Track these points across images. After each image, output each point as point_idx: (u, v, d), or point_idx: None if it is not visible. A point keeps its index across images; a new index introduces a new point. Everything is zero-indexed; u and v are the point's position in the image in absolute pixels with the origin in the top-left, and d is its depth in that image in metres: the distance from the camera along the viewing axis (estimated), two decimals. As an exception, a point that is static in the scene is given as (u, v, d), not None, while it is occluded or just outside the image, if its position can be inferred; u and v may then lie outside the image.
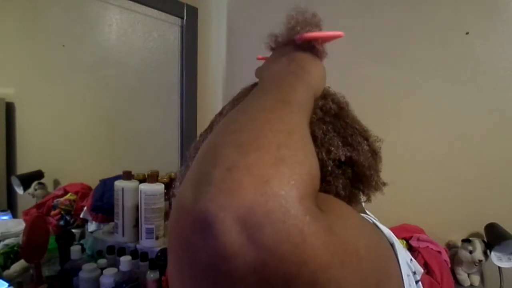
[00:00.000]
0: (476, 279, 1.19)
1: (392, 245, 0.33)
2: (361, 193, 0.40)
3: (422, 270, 0.39)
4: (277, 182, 0.19)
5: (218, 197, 0.19)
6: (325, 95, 0.41)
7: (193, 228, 0.19)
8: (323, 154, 0.35)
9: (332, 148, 0.35)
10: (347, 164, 0.37)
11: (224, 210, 0.18)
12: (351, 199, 0.37)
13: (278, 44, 0.42)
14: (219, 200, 0.19)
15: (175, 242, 0.21)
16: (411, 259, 0.37)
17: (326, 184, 0.35)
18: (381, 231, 0.34)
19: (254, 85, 0.44)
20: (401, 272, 0.31)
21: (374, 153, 0.41)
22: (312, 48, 0.39)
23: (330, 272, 0.19)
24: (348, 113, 0.42)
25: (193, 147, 0.44)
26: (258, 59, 0.50)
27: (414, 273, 0.36)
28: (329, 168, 0.35)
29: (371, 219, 0.37)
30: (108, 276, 0.88)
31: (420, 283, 0.37)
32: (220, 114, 0.46)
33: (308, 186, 0.21)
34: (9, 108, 1.15)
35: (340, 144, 0.37)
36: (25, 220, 1.08)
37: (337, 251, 0.20)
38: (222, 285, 0.18)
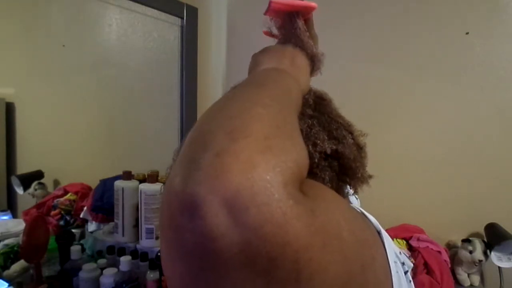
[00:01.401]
0: (476, 279, 1.19)
1: (379, 232, 0.34)
2: (348, 186, 0.41)
3: (412, 265, 0.40)
4: (263, 168, 0.20)
5: (206, 181, 0.19)
6: (309, 92, 0.43)
7: (181, 210, 0.20)
8: (310, 147, 0.36)
9: (318, 141, 0.37)
10: (333, 157, 0.38)
11: (212, 193, 0.19)
12: (338, 191, 0.38)
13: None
14: (207, 183, 0.19)
15: (165, 224, 0.21)
16: (400, 252, 0.38)
17: (313, 176, 0.36)
18: (368, 219, 0.36)
19: None
20: (387, 258, 0.32)
21: (359, 147, 0.42)
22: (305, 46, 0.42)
23: (312, 251, 0.20)
24: (332, 109, 0.44)
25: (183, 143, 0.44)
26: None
27: (403, 263, 0.37)
28: (316, 161, 0.36)
29: (358, 209, 0.38)
30: (108, 276, 0.88)
31: (409, 274, 0.37)
32: None
33: (293, 173, 0.22)
34: (9, 108, 1.15)
35: (326, 138, 0.38)
36: (25, 220, 1.08)
37: (318, 232, 0.21)
38: (209, 264, 0.19)
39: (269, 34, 0.50)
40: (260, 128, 0.23)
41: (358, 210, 0.37)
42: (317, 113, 0.40)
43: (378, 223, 0.36)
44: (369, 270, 0.26)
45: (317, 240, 0.21)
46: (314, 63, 0.44)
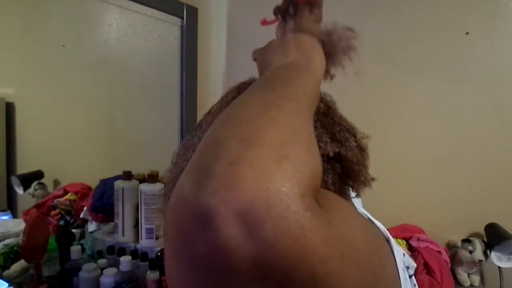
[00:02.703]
0: (476, 279, 1.19)
1: (387, 240, 0.34)
2: (350, 188, 0.41)
3: (415, 265, 0.40)
4: (279, 179, 0.19)
5: (219, 191, 0.19)
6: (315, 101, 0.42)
7: (193, 221, 0.19)
8: None
9: (321, 144, 0.36)
10: (335, 159, 0.37)
11: (225, 205, 0.18)
12: (340, 195, 0.38)
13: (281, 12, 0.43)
14: (220, 194, 0.19)
15: (173, 233, 0.21)
16: (404, 254, 0.38)
17: None
18: (376, 226, 0.35)
19: (242, 84, 0.44)
20: (397, 266, 0.31)
21: (362, 149, 0.41)
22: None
23: (330, 264, 0.19)
24: (335, 111, 0.43)
25: (182, 145, 0.43)
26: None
27: (407, 267, 0.37)
28: None
29: (365, 215, 0.37)
30: (108, 276, 0.88)
31: (413, 277, 0.37)
32: (209, 113, 0.46)
33: (310, 183, 0.21)
34: (9, 108, 1.15)
35: (329, 140, 0.37)
36: (25, 220, 1.08)
37: (336, 244, 0.20)
38: (220, 277, 0.19)
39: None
40: (275, 134, 0.22)
41: (367, 218, 0.36)
42: (320, 116, 0.40)
43: (386, 231, 0.36)
44: (381, 279, 0.25)
45: (334, 253, 0.20)
46: (326, 44, 0.42)
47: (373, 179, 0.42)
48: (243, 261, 0.18)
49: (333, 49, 0.43)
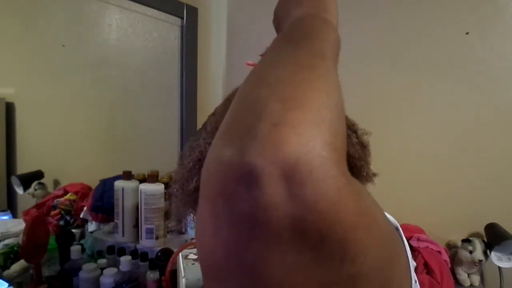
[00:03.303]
0: (476, 279, 1.19)
1: (397, 229, 0.35)
2: None
3: (415, 264, 0.41)
4: (320, 143, 0.20)
5: (264, 151, 0.19)
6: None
7: (238, 179, 0.19)
8: None
9: None
10: None
11: (271, 164, 0.19)
12: None
13: None
14: (265, 154, 0.19)
15: (214, 193, 0.21)
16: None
17: None
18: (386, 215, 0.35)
19: None
20: (407, 254, 0.32)
21: (363, 146, 0.42)
22: None
23: (358, 232, 0.20)
24: None
25: (187, 146, 0.44)
26: (248, 65, 0.50)
27: None
28: None
29: None
30: (108, 276, 0.88)
31: (414, 273, 0.38)
32: (213, 114, 0.46)
33: (343, 151, 0.22)
34: (9, 108, 1.15)
35: None
36: (25, 220, 1.08)
37: (365, 214, 0.21)
38: (260, 234, 0.19)
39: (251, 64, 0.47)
40: (312, 97, 0.22)
41: None
42: None
43: (395, 220, 0.36)
44: (397, 264, 0.26)
45: (363, 222, 0.21)
46: None
47: (375, 174, 0.43)
48: (282, 220, 0.19)
49: None
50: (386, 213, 0.36)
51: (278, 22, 0.41)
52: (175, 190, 0.44)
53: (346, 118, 0.43)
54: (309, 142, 0.20)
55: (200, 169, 0.40)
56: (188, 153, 0.42)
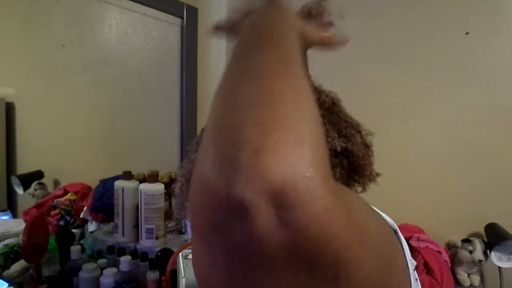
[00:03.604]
0: (476, 279, 1.19)
1: (395, 231, 0.35)
2: (356, 184, 0.42)
3: (415, 262, 0.41)
4: (303, 164, 0.20)
5: (250, 183, 0.19)
6: (319, 92, 0.43)
7: (228, 213, 0.20)
8: None
9: (329, 139, 0.37)
10: (343, 154, 0.39)
11: (258, 196, 0.19)
12: None
13: None
14: (251, 185, 0.19)
15: (206, 225, 0.21)
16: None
17: None
18: (383, 218, 0.36)
19: None
20: (405, 257, 0.32)
21: (366, 146, 0.43)
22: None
23: (350, 249, 0.20)
24: (341, 108, 0.44)
25: (194, 142, 0.44)
26: None
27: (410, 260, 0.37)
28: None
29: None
30: (108, 276, 0.88)
31: (415, 272, 0.38)
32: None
33: (327, 166, 0.22)
34: (9, 108, 1.15)
35: (336, 136, 0.39)
36: (25, 220, 1.08)
37: (355, 230, 0.21)
38: (256, 263, 0.19)
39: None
40: (286, 114, 0.22)
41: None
42: (326, 112, 0.41)
43: (393, 222, 0.37)
44: (393, 269, 0.26)
45: (354, 238, 0.21)
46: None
47: (378, 174, 0.44)
48: (277, 248, 0.19)
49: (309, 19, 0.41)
50: (384, 215, 0.37)
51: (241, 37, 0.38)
52: (180, 184, 0.44)
53: (350, 118, 0.43)
54: (291, 165, 0.19)
55: None
56: (195, 148, 0.43)
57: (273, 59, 0.26)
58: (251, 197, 0.19)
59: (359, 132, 0.43)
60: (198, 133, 0.46)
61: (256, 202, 0.19)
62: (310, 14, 0.42)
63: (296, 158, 0.20)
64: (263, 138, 0.20)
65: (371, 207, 0.32)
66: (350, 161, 0.40)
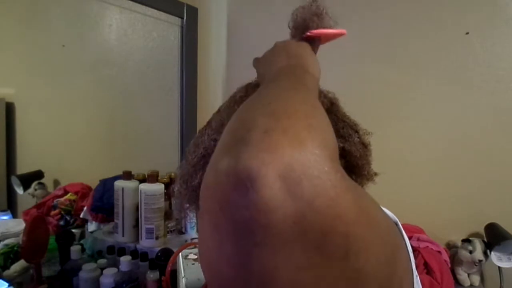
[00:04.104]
0: (476, 279, 1.19)
1: (396, 224, 0.35)
2: None
3: (415, 261, 0.41)
4: (311, 143, 0.21)
5: (258, 155, 0.19)
6: (323, 94, 0.44)
7: (234, 186, 0.20)
8: None
9: None
10: (340, 155, 0.39)
11: (266, 166, 0.19)
12: None
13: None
14: (259, 157, 0.19)
15: (214, 206, 0.21)
16: None
17: None
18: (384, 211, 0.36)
19: (249, 84, 0.46)
20: (407, 248, 0.32)
21: (364, 146, 0.43)
22: (312, 42, 0.42)
23: (359, 227, 0.20)
24: (339, 108, 0.45)
25: (192, 143, 0.45)
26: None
27: None
28: None
29: None
30: (108, 276, 0.88)
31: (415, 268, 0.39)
32: (218, 111, 0.47)
33: (336, 151, 0.23)
34: (9, 108, 1.15)
35: None
36: (25, 220, 1.08)
37: (362, 210, 0.21)
38: (263, 239, 0.19)
39: None
40: (299, 108, 0.23)
41: None
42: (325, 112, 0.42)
43: (394, 216, 0.37)
44: (398, 258, 0.26)
45: (363, 219, 0.21)
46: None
47: (375, 173, 0.44)
48: (284, 220, 0.19)
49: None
50: (384, 209, 0.37)
51: (259, 73, 0.44)
52: (179, 186, 0.44)
53: (348, 118, 0.44)
54: (301, 143, 0.20)
55: (204, 165, 0.41)
56: (193, 149, 0.43)
57: (293, 82, 0.30)
58: (259, 168, 0.19)
59: (357, 132, 0.43)
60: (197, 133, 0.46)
61: (263, 172, 0.19)
62: (316, 16, 0.43)
63: (305, 138, 0.21)
64: (275, 122, 0.21)
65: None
66: (347, 161, 0.40)
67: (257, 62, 0.45)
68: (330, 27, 0.42)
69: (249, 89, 0.45)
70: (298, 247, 0.19)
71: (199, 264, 0.78)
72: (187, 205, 0.45)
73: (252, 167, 0.19)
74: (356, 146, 0.41)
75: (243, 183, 0.19)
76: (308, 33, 0.41)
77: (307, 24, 0.42)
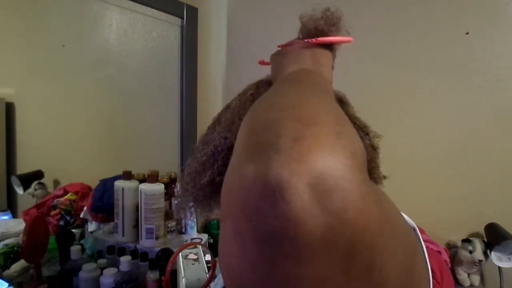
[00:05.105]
0: (476, 279, 1.19)
1: (414, 229, 0.35)
2: None
3: None
4: (341, 152, 0.20)
5: (289, 164, 0.19)
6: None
7: (263, 195, 0.19)
8: None
9: None
10: None
11: (297, 176, 0.19)
12: None
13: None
14: (290, 166, 0.19)
15: (236, 210, 0.21)
16: None
17: None
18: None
19: (260, 81, 0.46)
20: (424, 255, 0.33)
21: (374, 148, 0.43)
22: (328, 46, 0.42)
23: (384, 238, 0.20)
24: (349, 108, 0.44)
25: (200, 140, 0.44)
26: (260, 63, 0.51)
27: None
28: None
29: None
30: (108, 276, 0.88)
31: None
32: (227, 108, 0.46)
33: (364, 158, 0.22)
34: (9, 108, 1.15)
35: None
36: (25, 220, 1.08)
37: (387, 219, 0.21)
38: (289, 248, 0.19)
39: (264, 62, 0.50)
40: (328, 115, 0.23)
41: None
42: None
43: (412, 221, 0.37)
44: (415, 262, 0.26)
45: (387, 227, 0.21)
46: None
47: (385, 177, 0.44)
48: (312, 232, 0.18)
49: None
50: (402, 214, 0.37)
51: (274, 67, 0.44)
52: (185, 183, 0.43)
53: (358, 120, 0.43)
54: (332, 151, 0.20)
55: (214, 163, 0.40)
56: (202, 147, 0.43)
57: (314, 88, 0.29)
58: (289, 177, 0.18)
59: (367, 134, 0.42)
60: (198, 135, 0.46)
61: (294, 183, 0.18)
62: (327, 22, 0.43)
63: (336, 148, 0.20)
64: (304, 128, 0.21)
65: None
66: None
67: (278, 57, 0.44)
68: (343, 35, 0.42)
69: (260, 87, 0.44)
70: (324, 259, 0.19)
71: (199, 265, 0.78)
72: (192, 203, 0.44)
73: (283, 176, 0.19)
74: (367, 149, 0.40)
75: (272, 192, 0.19)
76: (316, 40, 0.41)
77: (322, 33, 0.41)
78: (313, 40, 0.41)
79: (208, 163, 0.41)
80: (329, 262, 0.19)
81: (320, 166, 0.19)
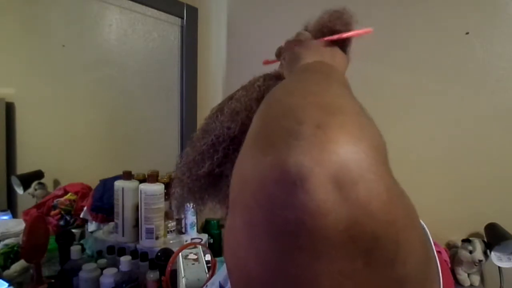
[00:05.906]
0: (476, 279, 1.19)
1: (423, 228, 0.34)
2: None
3: None
4: (366, 143, 0.19)
5: (311, 151, 0.18)
6: None
7: (280, 182, 0.18)
8: None
9: None
10: None
11: (319, 165, 0.17)
12: None
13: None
14: (312, 154, 0.18)
15: (248, 197, 0.19)
16: None
17: None
18: None
19: (267, 75, 0.45)
20: (434, 252, 0.32)
21: None
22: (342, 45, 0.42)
23: (407, 233, 0.19)
24: None
25: (201, 129, 0.43)
26: (265, 63, 0.50)
27: None
28: None
29: None
30: (108, 276, 0.88)
31: None
32: (231, 98, 0.45)
33: (385, 152, 0.21)
34: (9, 108, 1.15)
35: None
36: (25, 220, 1.08)
37: (410, 214, 0.21)
38: (307, 241, 0.17)
39: (268, 62, 0.49)
40: (350, 105, 0.22)
41: None
42: None
43: (421, 221, 0.37)
44: (431, 254, 0.26)
45: (410, 222, 0.20)
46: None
47: None
48: (335, 225, 0.17)
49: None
50: None
51: (289, 61, 0.43)
52: (181, 173, 0.42)
53: None
54: (357, 142, 0.19)
55: (214, 153, 0.39)
56: (202, 136, 0.41)
57: (333, 80, 0.29)
58: (311, 166, 0.17)
59: None
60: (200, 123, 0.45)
61: (316, 172, 0.17)
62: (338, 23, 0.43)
63: (361, 138, 0.19)
64: (328, 116, 0.20)
65: None
66: None
67: (295, 50, 0.42)
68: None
69: (268, 80, 0.43)
70: (345, 253, 0.17)
71: (199, 265, 0.78)
72: (186, 195, 0.42)
73: (304, 164, 0.17)
74: None
75: (291, 181, 0.17)
76: (347, 34, 0.41)
77: (334, 32, 0.41)
78: (335, 36, 0.41)
79: (208, 153, 0.39)
80: (351, 256, 0.18)
81: (345, 156, 0.18)
